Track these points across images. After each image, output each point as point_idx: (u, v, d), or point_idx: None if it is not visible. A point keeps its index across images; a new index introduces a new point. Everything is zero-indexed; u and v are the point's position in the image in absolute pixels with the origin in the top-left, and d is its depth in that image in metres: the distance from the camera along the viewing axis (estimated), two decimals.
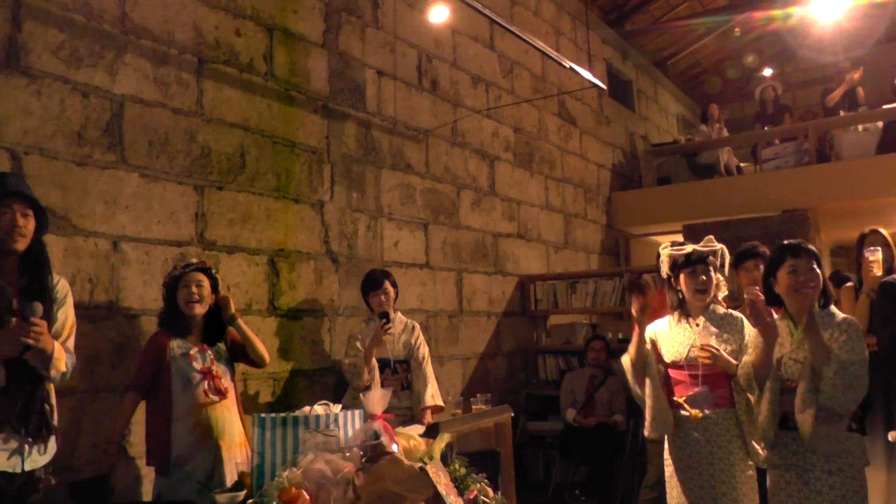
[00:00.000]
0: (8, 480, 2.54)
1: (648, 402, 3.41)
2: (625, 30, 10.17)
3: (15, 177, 2.76)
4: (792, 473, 3.00)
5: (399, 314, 4.71)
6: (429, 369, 4.57)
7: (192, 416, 3.37)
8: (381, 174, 5.59)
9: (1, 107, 3.34)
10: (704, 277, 3.34)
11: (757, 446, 3.19)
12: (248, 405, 3.77)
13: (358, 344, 4.37)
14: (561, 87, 8.35)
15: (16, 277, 2.63)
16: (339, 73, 5.29)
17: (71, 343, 2.72)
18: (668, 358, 3.39)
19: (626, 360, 3.47)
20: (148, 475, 3.51)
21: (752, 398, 3.15)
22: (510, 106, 7.36)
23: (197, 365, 3.42)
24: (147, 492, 3.57)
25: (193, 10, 4.30)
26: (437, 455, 2.47)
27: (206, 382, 3.41)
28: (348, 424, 2.57)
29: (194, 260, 3.62)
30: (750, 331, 3.28)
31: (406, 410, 4.47)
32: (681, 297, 3.42)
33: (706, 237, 3.48)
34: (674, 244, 3.50)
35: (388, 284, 4.54)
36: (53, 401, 2.72)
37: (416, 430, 3.24)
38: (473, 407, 4.74)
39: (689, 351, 3.31)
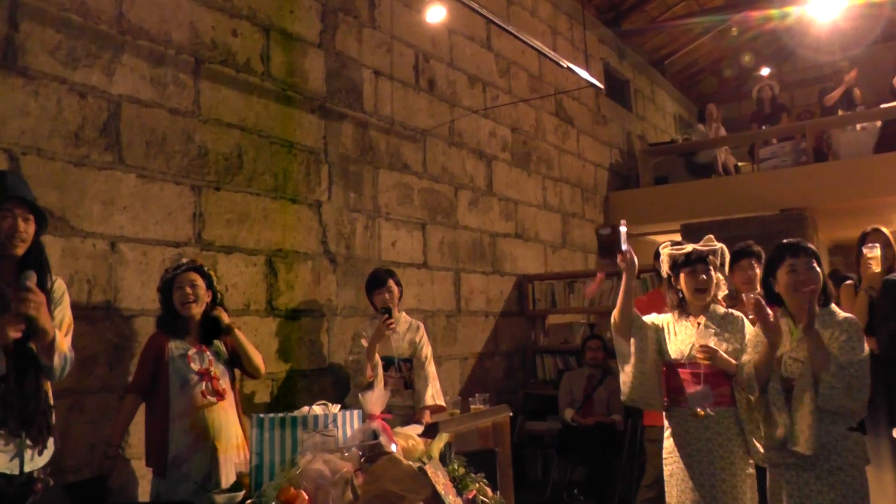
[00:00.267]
0: (7, 482, 2.53)
1: (632, 362, 3.38)
2: (621, 29, 10.17)
3: (15, 176, 2.75)
4: (792, 472, 3.00)
5: (404, 314, 4.71)
6: (431, 369, 4.57)
7: (189, 418, 3.36)
8: (379, 174, 5.59)
9: None
10: (704, 277, 3.34)
11: (758, 444, 3.19)
12: (246, 405, 3.77)
13: (363, 341, 4.38)
14: (558, 87, 8.35)
15: (14, 279, 2.62)
16: (336, 73, 5.29)
17: (69, 341, 2.72)
18: (669, 355, 3.39)
19: (612, 322, 3.48)
20: (146, 476, 3.50)
21: (752, 398, 3.15)
22: (507, 106, 7.36)
23: (195, 366, 3.42)
24: (145, 493, 3.56)
25: (190, 11, 4.29)
26: (436, 455, 2.46)
27: (203, 383, 3.41)
28: (347, 424, 2.56)
29: (185, 260, 3.61)
30: (750, 330, 3.28)
31: (409, 409, 4.48)
32: (681, 296, 3.42)
33: (706, 236, 3.48)
34: (674, 244, 3.50)
35: (391, 283, 4.55)
36: (51, 401, 2.72)
37: (415, 429, 3.23)
38: (472, 407, 4.74)
39: (689, 349, 3.30)
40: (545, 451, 6.55)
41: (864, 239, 4.29)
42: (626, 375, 3.42)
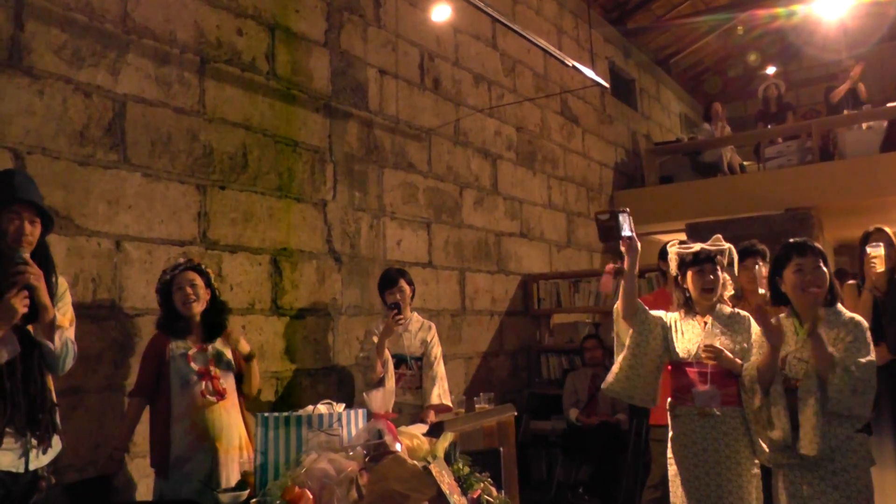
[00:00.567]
0: (13, 480, 2.54)
1: (624, 354, 3.39)
2: (627, 28, 10.15)
3: (23, 176, 2.75)
4: (796, 473, 2.99)
5: (416, 314, 4.71)
6: (439, 369, 4.58)
7: (190, 418, 3.36)
8: (384, 173, 5.59)
9: (3, 106, 3.34)
10: (712, 277, 3.33)
11: (763, 445, 3.18)
12: (250, 404, 3.76)
13: (374, 339, 4.39)
14: (563, 86, 8.34)
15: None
16: (341, 72, 5.29)
17: (72, 334, 2.72)
18: (676, 354, 3.38)
19: (615, 309, 3.49)
20: (150, 475, 3.51)
21: (755, 400, 3.14)
22: (512, 105, 7.35)
23: (195, 366, 3.41)
24: (149, 492, 3.56)
25: (195, 10, 4.29)
26: (441, 454, 2.46)
27: (203, 383, 3.40)
28: (351, 423, 2.56)
29: (182, 260, 3.61)
30: (756, 330, 3.27)
31: (420, 408, 4.49)
32: (687, 295, 3.41)
33: (714, 236, 3.47)
34: (681, 243, 3.49)
35: (403, 282, 4.56)
36: (55, 399, 2.72)
37: (420, 429, 3.23)
38: (476, 406, 4.74)
39: (696, 349, 3.30)
40: (550, 450, 6.54)
41: (867, 238, 4.28)
42: (615, 366, 3.44)
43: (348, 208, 5.21)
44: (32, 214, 2.63)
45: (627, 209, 3.37)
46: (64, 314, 2.70)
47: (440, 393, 4.52)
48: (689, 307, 3.43)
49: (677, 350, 3.36)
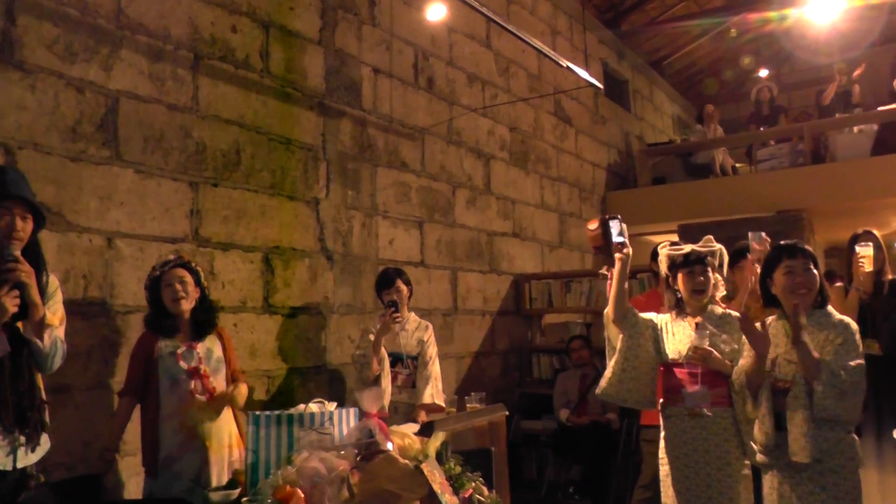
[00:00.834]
0: (1, 478, 2.52)
1: (616, 359, 3.39)
2: (621, 30, 10.17)
3: (15, 172, 2.73)
4: (785, 474, 3.00)
5: (413, 314, 4.71)
6: (434, 369, 4.57)
7: (179, 417, 3.34)
8: (377, 172, 5.58)
9: None
10: (702, 278, 3.34)
11: (755, 446, 3.19)
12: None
13: (371, 336, 4.38)
14: (557, 87, 8.35)
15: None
16: (336, 70, 5.28)
17: (61, 333, 2.71)
18: (667, 355, 3.39)
19: (605, 313, 3.49)
20: (140, 473, 3.49)
21: (745, 404, 3.15)
22: (506, 105, 7.35)
23: (184, 364, 3.38)
24: (139, 491, 3.55)
25: (189, 6, 4.28)
26: (432, 453, 2.46)
27: (193, 382, 3.38)
28: (343, 422, 2.56)
29: (171, 257, 3.58)
30: None
31: (414, 407, 4.49)
32: (678, 296, 3.43)
33: (705, 237, 3.48)
34: (673, 244, 3.50)
35: (400, 283, 4.54)
36: (44, 396, 2.71)
37: (411, 428, 3.23)
38: (468, 405, 4.74)
39: (687, 350, 3.31)
40: (541, 450, 6.55)
41: (856, 241, 4.30)
42: (608, 370, 3.45)
43: (341, 207, 5.20)
44: (24, 211, 2.61)
45: (619, 216, 3.38)
46: (54, 313, 2.68)
47: (433, 393, 4.51)
48: (680, 308, 3.44)
49: (667, 351, 3.37)
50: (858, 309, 4.14)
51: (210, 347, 3.52)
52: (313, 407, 2.61)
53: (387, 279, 4.58)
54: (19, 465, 2.56)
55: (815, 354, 2.90)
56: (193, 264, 3.56)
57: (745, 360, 3.16)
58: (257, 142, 4.60)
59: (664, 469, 3.38)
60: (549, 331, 7.47)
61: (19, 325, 2.56)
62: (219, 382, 3.48)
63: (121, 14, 3.90)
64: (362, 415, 2.55)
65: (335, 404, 2.65)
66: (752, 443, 3.19)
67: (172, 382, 3.36)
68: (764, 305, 3.21)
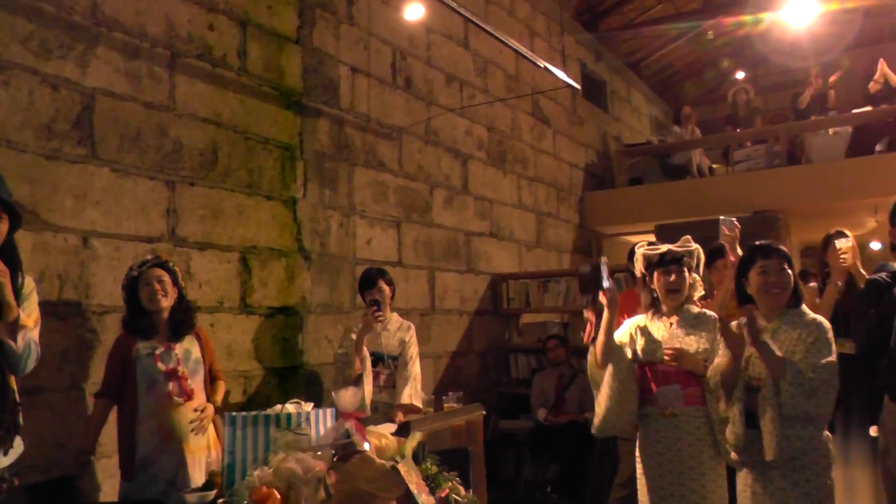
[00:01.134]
0: None
1: (605, 392, 3.38)
2: (599, 31, 10.22)
3: None
4: (758, 471, 3.03)
5: (395, 314, 4.71)
6: (414, 370, 4.57)
7: (156, 419, 3.32)
8: (355, 171, 5.58)
9: None
10: (678, 278, 3.37)
11: (727, 445, 3.22)
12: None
13: (353, 336, 4.37)
14: (535, 87, 8.37)
15: None
16: (313, 69, 5.26)
17: (35, 335, 2.68)
18: (642, 355, 3.40)
19: (591, 358, 3.48)
20: (116, 476, 3.46)
21: (719, 403, 3.17)
22: (484, 105, 7.37)
23: (162, 365, 3.36)
24: (114, 493, 3.51)
25: (166, 3, 4.25)
26: (409, 454, 2.46)
27: (171, 384, 3.36)
28: (320, 423, 2.56)
29: (149, 256, 3.56)
30: None
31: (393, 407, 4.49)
32: (654, 296, 3.45)
33: (683, 237, 3.50)
34: (650, 244, 3.53)
35: (382, 283, 4.54)
36: (17, 398, 2.68)
37: (388, 428, 3.23)
38: (445, 405, 4.75)
39: (662, 349, 3.33)
40: (518, 449, 6.56)
41: (828, 241, 4.33)
42: (598, 408, 3.41)
43: (318, 206, 5.19)
44: None
45: (605, 258, 3.40)
46: (29, 314, 2.65)
47: (411, 393, 4.51)
48: (656, 308, 3.46)
49: (638, 351, 3.39)
50: (834, 304, 4.16)
51: (188, 348, 3.50)
52: (290, 407, 2.60)
53: (369, 280, 4.57)
54: None
55: (778, 353, 2.93)
56: (171, 264, 3.54)
57: (721, 358, 3.19)
58: (234, 141, 4.58)
59: (639, 467, 3.41)
60: (526, 330, 7.50)
61: None
62: (196, 384, 3.46)
63: (97, 10, 3.87)
64: (339, 415, 2.55)
65: (312, 405, 2.64)
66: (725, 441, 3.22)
67: (150, 384, 3.34)
68: (739, 304, 3.24)
